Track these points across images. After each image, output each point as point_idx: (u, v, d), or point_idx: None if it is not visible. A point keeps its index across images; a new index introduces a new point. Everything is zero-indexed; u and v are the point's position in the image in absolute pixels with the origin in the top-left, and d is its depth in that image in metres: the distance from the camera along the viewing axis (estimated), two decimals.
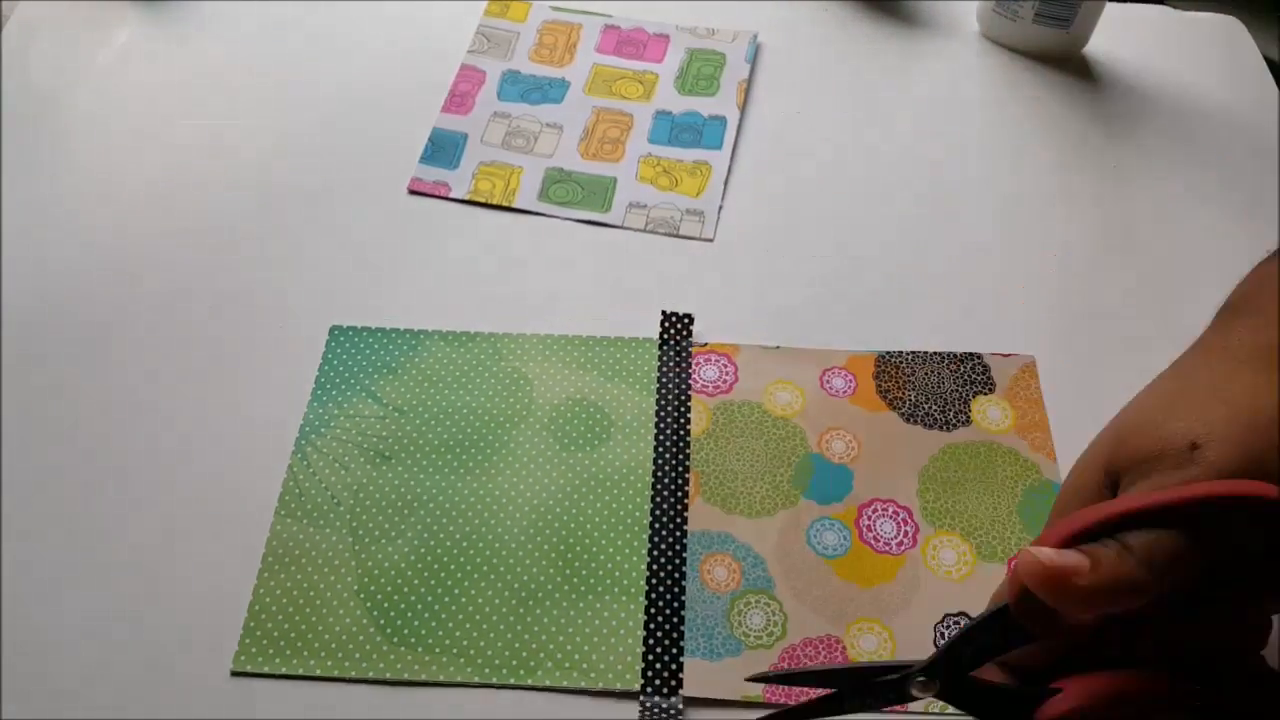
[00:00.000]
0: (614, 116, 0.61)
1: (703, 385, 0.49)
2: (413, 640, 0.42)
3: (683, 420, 0.48)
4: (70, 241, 0.54)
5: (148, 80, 0.63)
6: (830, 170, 0.59)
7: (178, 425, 0.48)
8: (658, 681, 0.41)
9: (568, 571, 0.44)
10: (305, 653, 0.42)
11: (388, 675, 0.41)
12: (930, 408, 0.49)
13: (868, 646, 0.42)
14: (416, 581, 0.43)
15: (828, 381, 0.50)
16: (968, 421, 0.49)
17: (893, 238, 0.56)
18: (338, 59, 0.64)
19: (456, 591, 0.43)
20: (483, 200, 0.57)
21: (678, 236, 0.55)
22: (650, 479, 0.46)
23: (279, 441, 0.47)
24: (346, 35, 0.66)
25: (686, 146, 0.59)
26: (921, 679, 0.35)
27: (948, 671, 0.35)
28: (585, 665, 0.41)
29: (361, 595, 0.43)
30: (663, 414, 0.48)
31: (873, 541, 0.45)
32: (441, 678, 0.41)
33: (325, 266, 0.54)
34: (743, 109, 0.61)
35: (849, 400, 0.49)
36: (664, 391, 0.49)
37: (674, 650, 0.42)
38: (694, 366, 0.50)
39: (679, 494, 0.46)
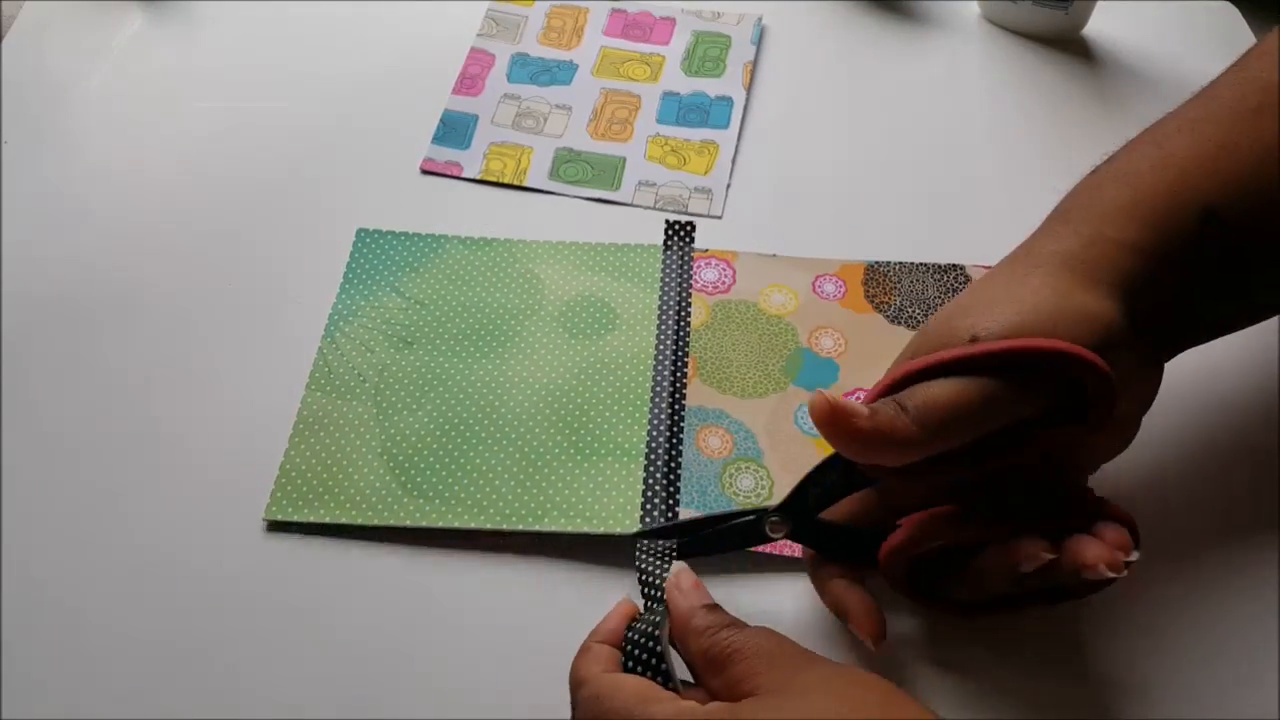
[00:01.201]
0: (622, 98, 0.62)
1: (703, 285, 0.53)
2: (430, 494, 0.45)
3: (684, 314, 0.52)
4: (86, 221, 0.56)
5: (159, 65, 0.63)
6: (833, 151, 0.60)
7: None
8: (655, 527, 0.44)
9: (573, 438, 0.47)
10: (332, 504, 0.45)
11: (408, 523, 0.44)
12: (914, 311, 0.52)
13: None
14: (435, 445, 0.47)
15: (819, 286, 0.53)
16: None
17: (891, 218, 0.57)
18: (348, 45, 0.65)
19: (471, 454, 0.47)
20: (494, 179, 0.58)
21: (686, 214, 0.56)
22: (652, 362, 0.50)
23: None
24: (357, 22, 0.66)
25: (694, 126, 0.60)
26: (774, 519, 0.39)
27: (798, 512, 0.39)
28: (589, 514, 0.45)
29: (385, 456, 0.47)
30: (665, 308, 0.52)
31: None
32: (457, 524, 0.44)
33: (338, 250, 0.55)
34: (749, 89, 0.62)
35: (839, 304, 0.52)
36: (666, 289, 0.53)
37: (670, 501, 0.45)
38: (695, 269, 0.53)
39: (678, 374, 0.49)
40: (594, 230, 0.56)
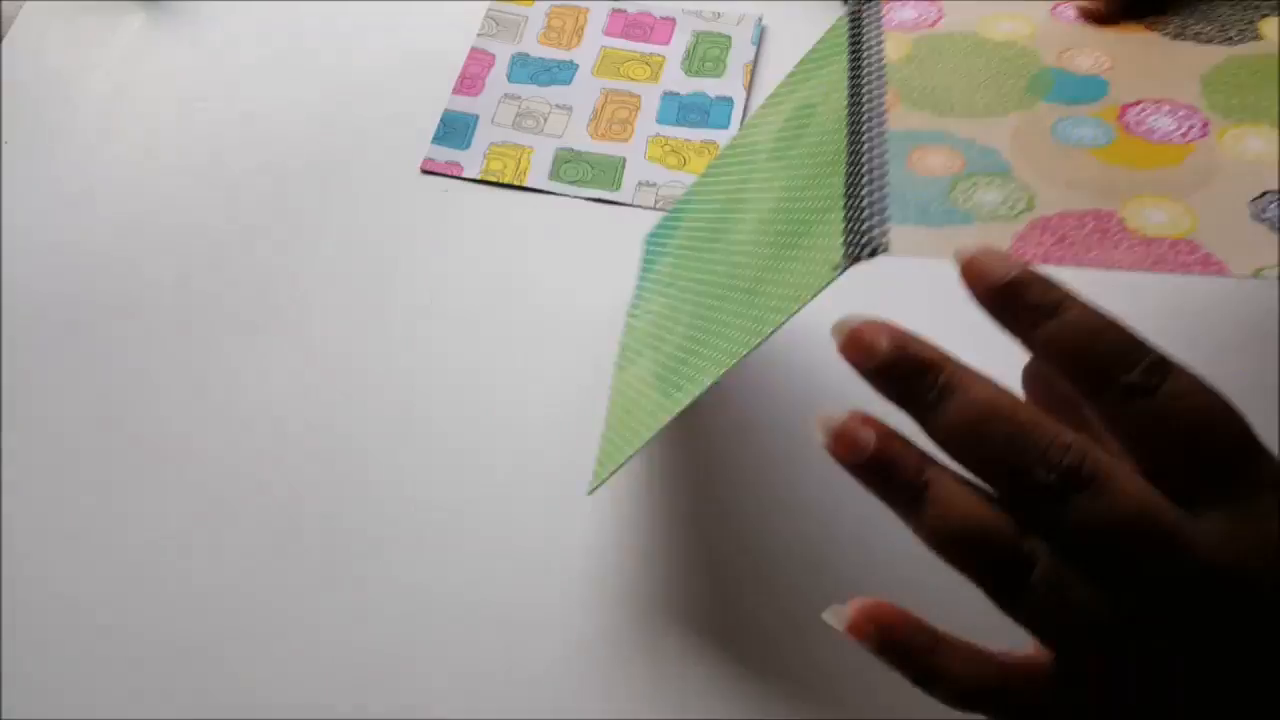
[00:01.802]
0: (622, 97, 0.62)
1: (899, 24, 0.41)
2: (681, 380, 0.40)
3: (874, 50, 0.40)
4: (86, 221, 0.56)
5: (159, 65, 0.64)
6: None
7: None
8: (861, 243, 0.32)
9: (777, 239, 0.39)
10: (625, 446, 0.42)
11: (673, 414, 0.39)
12: (1203, 27, 0.40)
13: (1157, 220, 0.32)
14: (682, 331, 0.43)
15: (1061, 12, 0.41)
16: (1256, 37, 0.39)
17: None
18: (347, 45, 0.65)
19: (706, 312, 0.42)
20: (494, 179, 0.58)
21: None
22: (845, 121, 0.38)
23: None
24: (356, 22, 0.66)
25: (694, 126, 0.60)
26: None
27: None
28: (796, 289, 0.35)
29: (656, 379, 0.44)
30: (855, 69, 0.41)
31: (1146, 135, 0.36)
32: (699, 390, 0.38)
33: (336, 249, 0.55)
34: (749, 90, 0.62)
35: (1093, 26, 0.40)
36: (854, 52, 0.41)
37: (878, 217, 0.33)
38: (884, 12, 0.42)
39: (875, 103, 0.38)
40: (594, 230, 0.56)
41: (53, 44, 0.65)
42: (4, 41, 0.65)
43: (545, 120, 0.61)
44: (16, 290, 0.53)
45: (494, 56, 0.64)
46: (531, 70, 0.63)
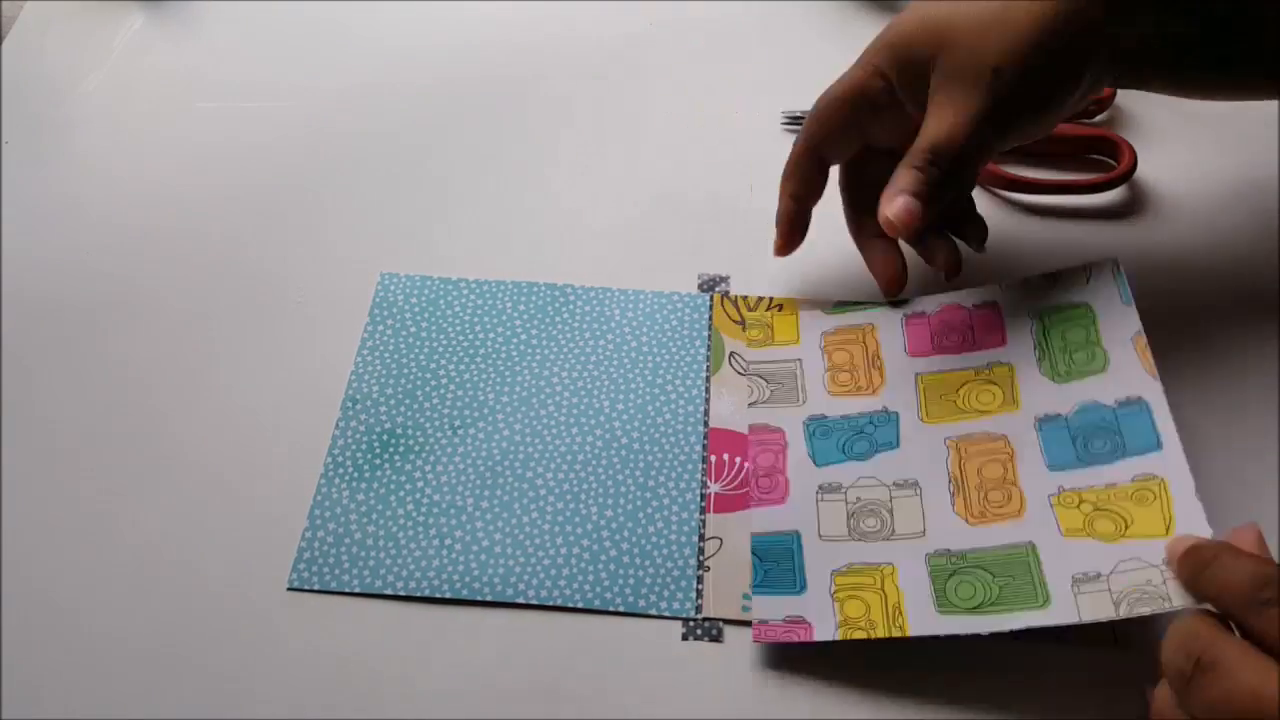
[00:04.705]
0: (980, 445, 0.44)
1: None
2: None
3: None
4: (85, 221, 0.56)
5: (159, 65, 0.64)
6: None
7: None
8: None
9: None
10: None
11: None
12: None
13: None
14: None
15: None
16: None
17: None
18: (348, 45, 0.65)
19: None
20: (864, 636, 0.41)
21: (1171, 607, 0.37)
22: None
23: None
24: (358, 22, 0.66)
25: (1108, 461, 0.41)
26: None
27: None
28: None
29: None
30: None
31: None
32: None
33: (339, 251, 0.55)
34: (1157, 375, 0.43)
35: None
36: None
37: None
38: None
39: None
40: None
41: (53, 44, 0.65)
42: (4, 41, 0.65)
43: (890, 514, 0.44)
44: (16, 290, 0.53)
45: (782, 431, 0.48)
46: (838, 438, 0.47)
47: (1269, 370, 0.49)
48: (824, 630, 0.41)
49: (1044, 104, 0.45)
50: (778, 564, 0.44)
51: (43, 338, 0.52)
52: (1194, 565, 0.36)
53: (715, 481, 0.47)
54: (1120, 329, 0.45)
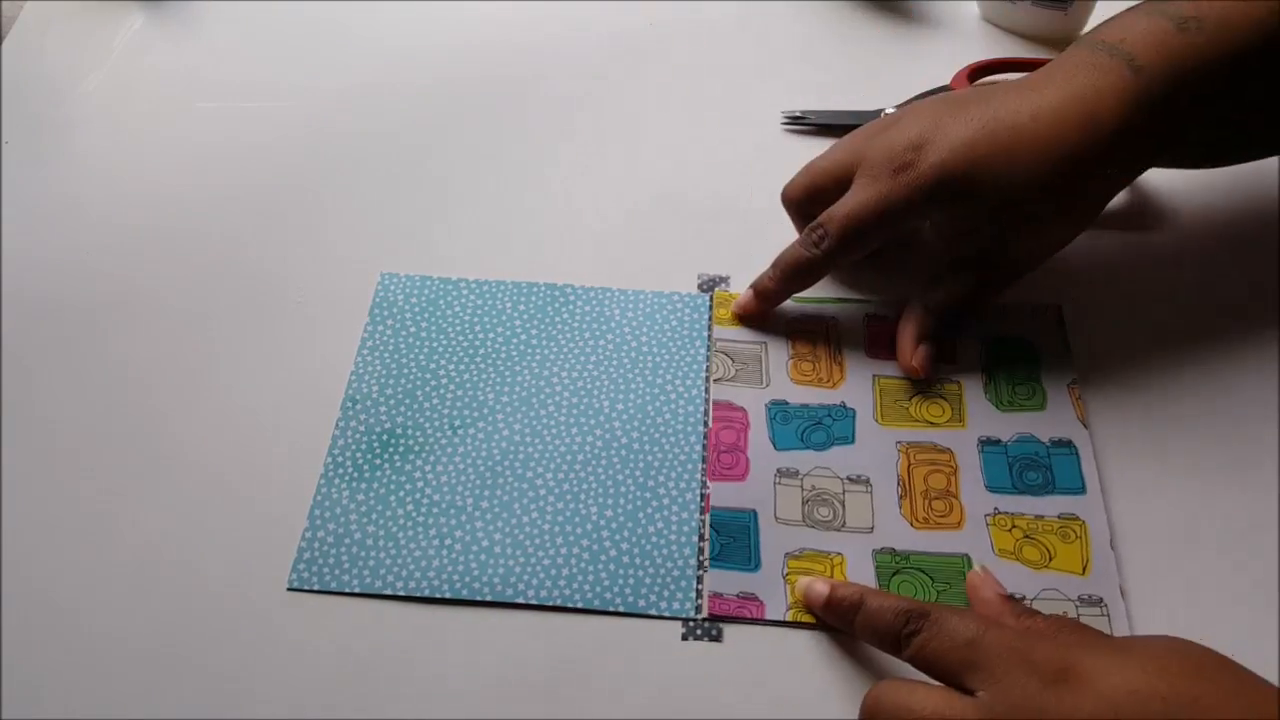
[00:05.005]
0: (928, 453, 0.49)
1: None
2: None
3: None
4: (85, 221, 0.57)
5: (159, 65, 0.64)
6: None
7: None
8: None
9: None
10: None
11: None
12: None
13: None
14: None
15: None
16: None
17: None
18: (349, 45, 0.65)
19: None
20: (813, 620, 0.46)
21: None
22: None
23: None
24: (358, 22, 0.67)
25: (1038, 493, 0.47)
26: None
27: None
28: None
29: None
30: None
31: None
32: None
33: (340, 250, 0.55)
34: (1088, 424, 0.48)
35: None
36: None
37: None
38: None
39: None
40: None
41: (53, 44, 0.66)
42: (4, 41, 0.66)
43: (842, 506, 0.48)
44: (16, 290, 0.54)
45: (745, 410, 0.51)
46: (798, 424, 0.51)
47: (1269, 371, 0.51)
48: (775, 610, 0.46)
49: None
50: (734, 539, 0.48)
51: (43, 338, 0.52)
52: (840, 613, 0.42)
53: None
54: (1058, 374, 0.50)
